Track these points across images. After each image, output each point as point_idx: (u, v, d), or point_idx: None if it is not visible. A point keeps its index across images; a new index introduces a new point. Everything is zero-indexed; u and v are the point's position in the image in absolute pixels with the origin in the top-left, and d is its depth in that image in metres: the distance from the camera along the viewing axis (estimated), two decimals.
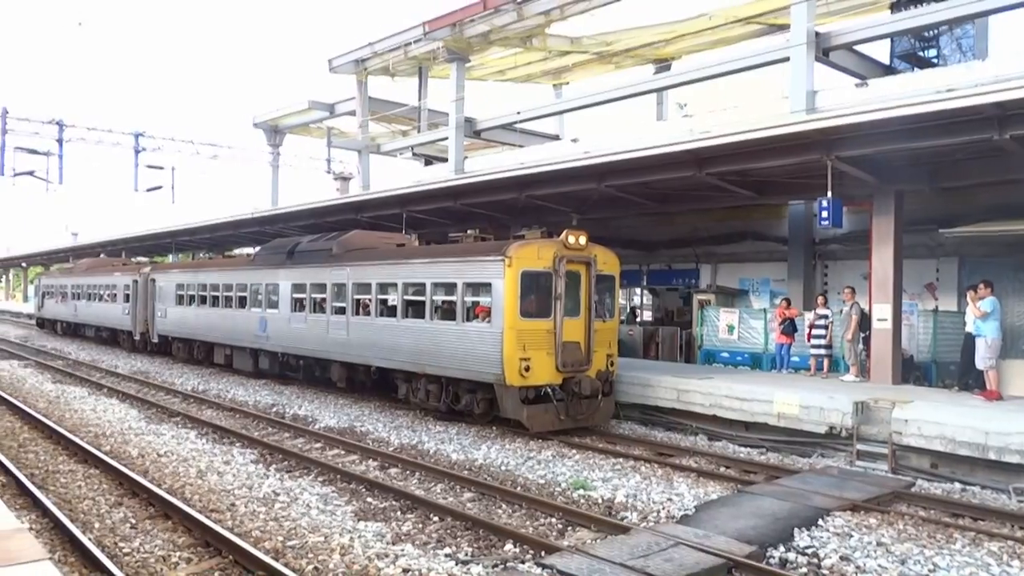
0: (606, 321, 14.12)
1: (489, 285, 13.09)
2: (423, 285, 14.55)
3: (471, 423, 14.05)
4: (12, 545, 5.16)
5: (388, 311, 15.62)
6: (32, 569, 4.76)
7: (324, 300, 17.47)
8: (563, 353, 13.09)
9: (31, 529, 7.26)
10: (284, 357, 19.28)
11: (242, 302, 21.03)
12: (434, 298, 14.32)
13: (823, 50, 19.45)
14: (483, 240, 14.87)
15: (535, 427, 12.82)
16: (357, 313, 16.40)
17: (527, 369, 12.65)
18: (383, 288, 15.73)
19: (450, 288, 13.97)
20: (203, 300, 23.18)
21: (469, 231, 15.34)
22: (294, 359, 18.95)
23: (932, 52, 23.46)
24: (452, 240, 15.52)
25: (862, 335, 15.12)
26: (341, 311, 16.78)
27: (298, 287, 18.45)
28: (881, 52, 23.31)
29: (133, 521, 8.43)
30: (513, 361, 12.56)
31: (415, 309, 14.84)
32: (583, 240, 13.50)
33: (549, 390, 12.94)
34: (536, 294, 13.07)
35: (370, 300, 15.98)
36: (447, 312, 14.13)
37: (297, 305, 18.50)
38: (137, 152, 34.95)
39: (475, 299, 13.54)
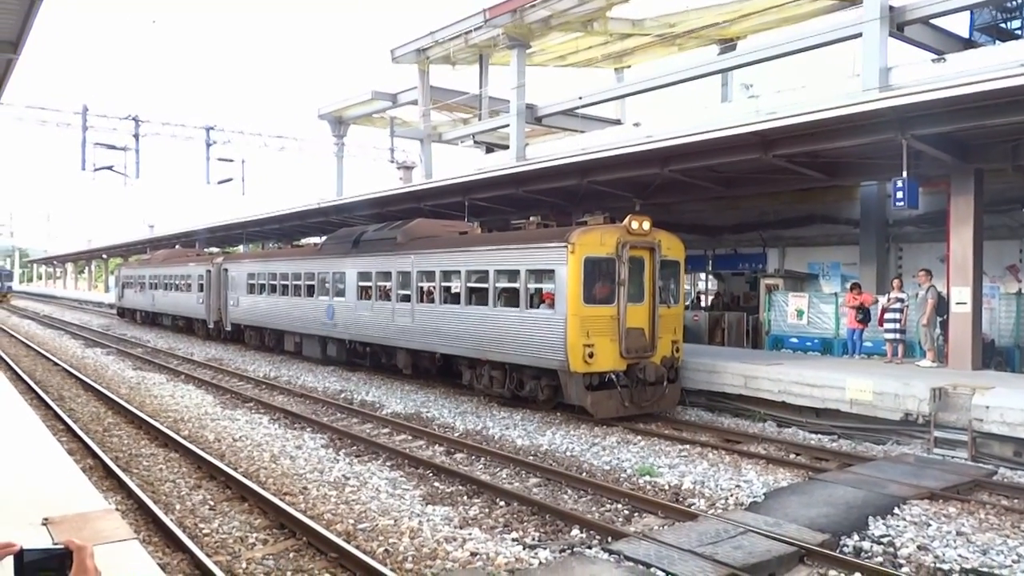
0: (671, 307, 13.97)
1: (552, 272, 13.07)
2: (486, 272, 14.61)
3: (535, 409, 14.09)
4: (102, 525, 5.42)
5: (452, 298, 15.75)
6: (121, 548, 4.99)
7: (389, 288, 17.73)
8: (627, 339, 13.01)
9: (117, 510, 7.59)
10: (351, 344, 19.64)
11: (310, 290, 21.48)
12: (497, 285, 14.36)
13: (897, 25, 18.71)
14: (545, 227, 14.85)
15: (599, 413, 12.79)
16: (421, 300, 16.58)
17: (591, 356, 12.60)
18: (446, 275, 15.85)
19: (513, 275, 13.99)
20: (273, 289, 23.75)
21: (532, 218, 15.33)
22: (361, 346, 19.29)
23: (1015, 23, 22.39)
24: (515, 227, 15.53)
25: (939, 319, 14.59)
26: (406, 299, 16.98)
27: (364, 275, 18.75)
28: (960, 25, 22.39)
29: (212, 503, 8.74)
30: (577, 347, 12.53)
31: (478, 296, 14.94)
32: (647, 225, 13.35)
33: (613, 376, 12.88)
34: (599, 280, 13.01)
35: (434, 287, 16.12)
36: (510, 299, 14.16)
37: (363, 293, 18.80)
38: (208, 145, 35.90)
39: (538, 286, 13.54)
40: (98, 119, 33.51)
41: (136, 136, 33.72)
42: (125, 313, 42.02)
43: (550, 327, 12.99)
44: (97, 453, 10.69)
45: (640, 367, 13.02)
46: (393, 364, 18.14)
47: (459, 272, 15.36)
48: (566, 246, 12.72)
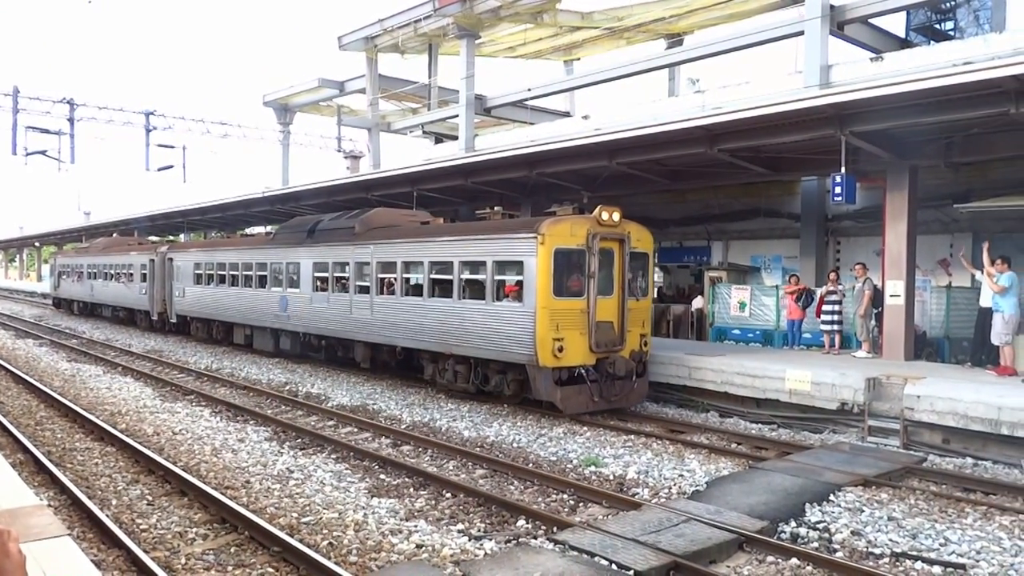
0: (640, 300, 13.71)
1: (520, 263, 12.66)
2: (450, 263, 14.12)
3: (482, 401, 14.07)
4: (33, 521, 5.25)
5: (414, 290, 15.30)
6: (53, 545, 4.85)
7: (347, 279, 17.16)
8: (596, 333, 12.72)
9: (50, 506, 7.37)
10: (306, 337, 19.07)
11: (262, 281, 20.80)
12: (462, 277, 13.89)
13: (838, 24, 19.19)
14: (510, 217, 14.43)
15: (569, 409, 12.52)
16: (381, 292, 16.06)
17: (560, 350, 12.27)
18: (408, 267, 15.36)
19: (479, 266, 13.54)
20: (222, 279, 23.01)
21: (496, 208, 14.96)
22: (316, 339, 18.74)
23: (949, 25, 23.17)
24: (479, 217, 15.12)
25: (874, 311, 15.05)
26: (364, 290, 16.47)
27: (320, 266, 18.15)
28: (897, 25, 23.10)
29: (150, 498, 8.54)
30: (546, 341, 12.22)
31: (442, 288, 14.47)
32: (616, 216, 13.05)
33: (583, 371, 12.64)
34: (569, 272, 12.68)
35: (395, 279, 15.58)
36: (476, 291, 13.72)
37: (319, 284, 18.24)
38: (148, 131, 34.87)
39: (505, 278, 13.13)
40: (30, 101, 32.30)
41: (71, 120, 32.59)
42: (61, 303, 40.70)
43: (518, 320, 12.60)
44: (28, 448, 10.34)
45: (610, 361, 12.77)
46: (350, 358, 17.62)
47: (421, 263, 14.86)
48: (536, 237, 12.31)
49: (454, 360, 14.32)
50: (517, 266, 12.82)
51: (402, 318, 15.33)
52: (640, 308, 13.75)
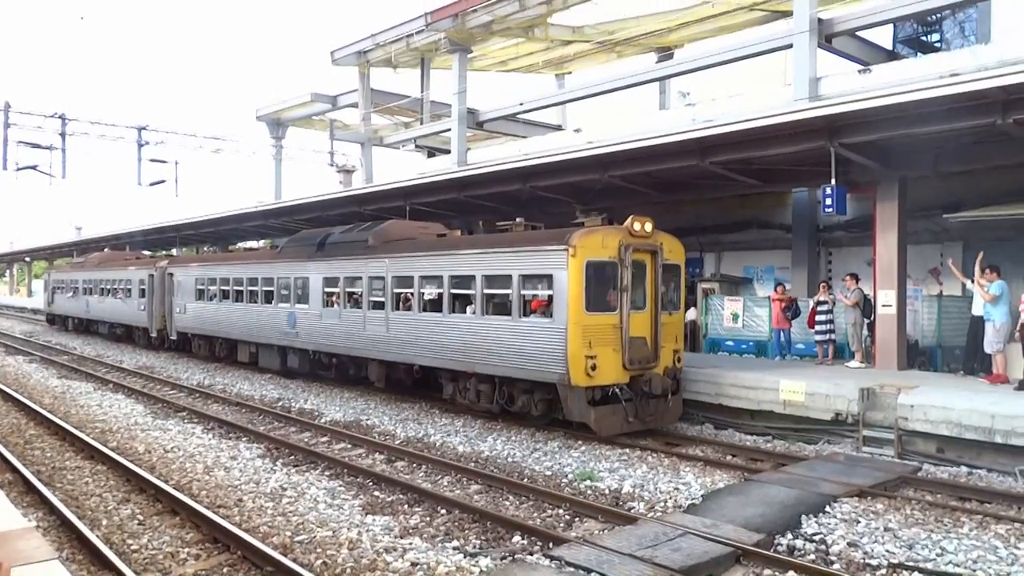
0: (672, 314, 13.16)
1: (550, 277, 12.08)
2: (472, 278, 13.50)
3: (476, 416, 14.01)
4: (21, 545, 5.16)
5: (432, 306, 14.66)
6: (41, 569, 4.76)
7: (360, 294, 16.49)
8: (630, 350, 12.15)
9: (38, 527, 7.28)
10: (315, 355, 18.41)
11: (268, 297, 20.12)
12: (485, 291, 13.30)
13: (826, 36, 19.32)
14: (533, 228, 14.00)
15: (603, 431, 11.89)
16: (397, 308, 15.42)
17: (593, 368, 11.64)
18: (426, 281, 14.76)
19: (504, 280, 12.91)
20: (225, 295, 22.31)
21: (518, 220, 14.62)
22: (326, 357, 18.10)
23: (935, 37, 23.39)
24: (500, 229, 14.69)
25: (866, 321, 15.09)
26: (379, 306, 15.83)
27: (330, 280, 17.52)
28: (884, 38, 23.23)
29: (141, 518, 8.46)
30: (579, 359, 11.57)
31: (462, 303, 13.90)
32: (649, 227, 12.50)
33: (617, 390, 12.01)
34: (601, 286, 12.08)
35: (412, 294, 14.97)
36: (500, 306, 13.15)
37: (329, 300, 17.63)
38: (140, 146, 34.91)
39: (533, 292, 12.59)
40: (22, 116, 32.33)
41: (63, 135, 32.63)
42: (55, 320, 39.96)
43: (548, 337, 11.96)
44: (17, 467, 10.25)
45: (645, 379, 12.20)
46: (363, 377, 17.05)
47: (441, 277, 14.19)
48: (566, 249, 11.74)
49: (477, 379, 13.67)
50: (546, 280, 12.22)
51: (420, 335, 14.69)
52: (673, 323, 13.17)
